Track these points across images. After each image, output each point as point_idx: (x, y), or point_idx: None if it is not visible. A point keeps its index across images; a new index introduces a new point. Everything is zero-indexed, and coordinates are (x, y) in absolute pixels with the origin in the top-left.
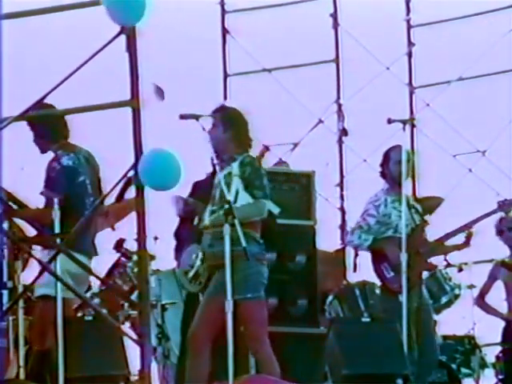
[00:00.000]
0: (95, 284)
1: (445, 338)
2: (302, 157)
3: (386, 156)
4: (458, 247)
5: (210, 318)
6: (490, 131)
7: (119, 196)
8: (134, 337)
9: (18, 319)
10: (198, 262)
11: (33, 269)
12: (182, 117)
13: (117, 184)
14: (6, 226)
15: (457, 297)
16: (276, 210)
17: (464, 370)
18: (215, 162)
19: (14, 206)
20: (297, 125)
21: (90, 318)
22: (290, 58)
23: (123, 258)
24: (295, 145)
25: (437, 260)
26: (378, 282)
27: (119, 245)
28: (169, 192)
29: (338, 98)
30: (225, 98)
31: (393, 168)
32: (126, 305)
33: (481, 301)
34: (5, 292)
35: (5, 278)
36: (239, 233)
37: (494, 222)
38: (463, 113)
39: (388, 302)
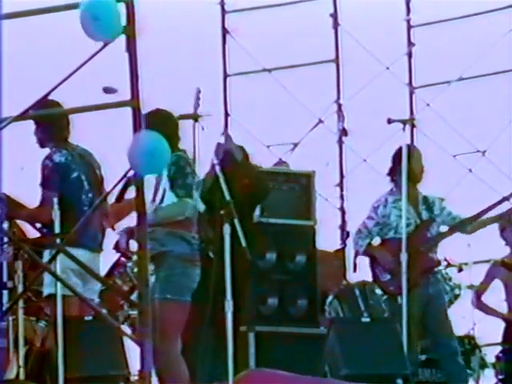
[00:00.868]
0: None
1: None
2: (302, 157)
3: (403, 153)
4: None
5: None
6: (490, 131)
7: (119, 196)
8: (134, 337)
9: (17, 319)
10: None
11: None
12: (182, 117)
13: (117, 184)
14: (5, 226)
15: (457, 297)
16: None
17: None
18: (215, 162)
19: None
20: (297, 125)
21: (90, 317)
22: (290, 58)
23: (123, 258)
24: (295, 145)
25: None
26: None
27: (119, 245)
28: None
29: (338, 98)
30: (225, 97)
31: (413, 166)
32: (126, 305)
33: (479, 302)
34: (5, 292)
35: (5, 278)
36: (239, 232)
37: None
38: (463, 113)
39: (389, 305)
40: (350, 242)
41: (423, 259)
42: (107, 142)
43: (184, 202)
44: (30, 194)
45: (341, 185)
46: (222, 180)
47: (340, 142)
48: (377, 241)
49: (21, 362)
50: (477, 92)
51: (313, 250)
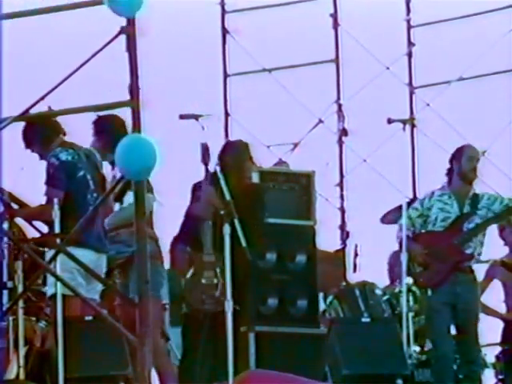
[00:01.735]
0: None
1: None
2: (302, 157)
3: (459, 152)
4: None
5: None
6: (490, 131)
7: (119, 196)
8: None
9: (17, 319)
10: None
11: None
12: (182, 117)
13: (117, 184)
14: (6, 226)
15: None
16: (154, 201)
17: None
18: (215, 163)
19: (14, 206)
20: (297, 125)
21: (90, 317)
22: (290, 58)
23: None
24: (295, 145)
25: None
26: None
27: None
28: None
29: (338, 98)
30: (225, 97)
31: (465, 163)
32: None
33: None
34: (5, 292)
35: (5, 278)
36: (239, 233)
37: None
38: (463, 113)
39: (418, 297)
40: (352, 241)
41: (455, 253)
42: None
43: (148, 198)
44: (29, 194)
45: (341, 185)
46: (221, 180)
47: (340, 142)
48: None
49: (21, 362)
50: (477, 92)
51: (313, 250)
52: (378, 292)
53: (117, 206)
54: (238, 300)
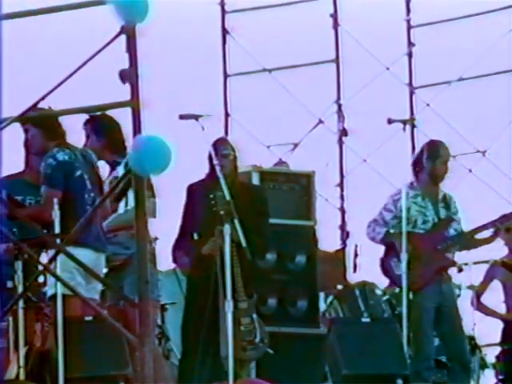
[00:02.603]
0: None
1: None
2: (302, 157)
3: (431, 151)
4: (488, 240)
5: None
6: (490, 131)
7: (119, 196)
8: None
9: (17, 320)
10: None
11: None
12: (182, 117)
13: (117, 184)
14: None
15: (457, 297)
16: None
17: None
18: (215, 162)
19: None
20: (297, 125)
21: (90, 318)
22: (290, 58)
23: None
24: (295, 145)
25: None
26: (381, 282)
27: None
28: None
29: (338, 98)
30: (225, 98)
31: (439, 166)
32: None
33: (478, 302)
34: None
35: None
36: (239, 233)
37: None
38: (463, 113)
39: (399, 302)
40: (352, 241)
41: (439, 258)
42: None
43: (151, 203)
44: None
45: (341, 185)
46: (222, 180)
47: (340, 142)
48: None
49: (21, 362)
50: (477, 92)
51: (313, 250)
52: (378, 292)
53: (121, 208)
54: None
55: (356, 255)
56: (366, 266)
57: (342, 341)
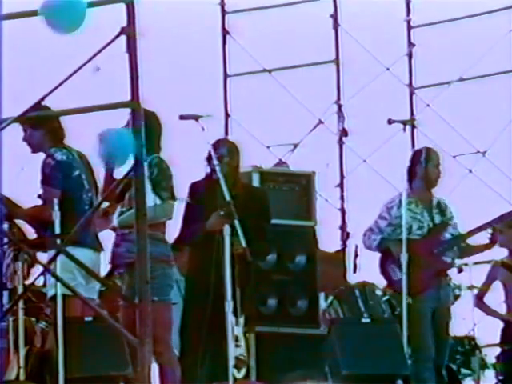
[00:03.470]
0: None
1: None
2: (302, 157)
3: (422, 156)
4: (487, 246)
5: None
6: (490, 132)
7: (119, 197)
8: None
9: (18, 320)
10: None
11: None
12: (182, 117)
13: (117, 184)
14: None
15: (457, 297)
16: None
17: (464, 371)
18: (215, 162)
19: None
20: (297, 125)
21: (90, 318)
22: (290, 59)
23: None
24: (295, 145)
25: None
26: (381, 282)
27: None
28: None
29: (338, 98)
30: (225, 98)
31: (431, 169)
32: None
33: (480, 302)
34: (5, 293)
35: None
36: (239, 233)
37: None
38: (463, 113)
39: (400, 305)
40: (352, 242)
41: (436, 262)
42: None
43: (169, 205)
44: (29, 195)
45: (341, 185)
46: (222, 181)
47: (340, 143)
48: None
49: (21, 363)
50: (477, 92)
51: (313, 250)
52: (378, 292)
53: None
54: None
55: (356, 256)
56: (366, 267)
57: (342, 341)
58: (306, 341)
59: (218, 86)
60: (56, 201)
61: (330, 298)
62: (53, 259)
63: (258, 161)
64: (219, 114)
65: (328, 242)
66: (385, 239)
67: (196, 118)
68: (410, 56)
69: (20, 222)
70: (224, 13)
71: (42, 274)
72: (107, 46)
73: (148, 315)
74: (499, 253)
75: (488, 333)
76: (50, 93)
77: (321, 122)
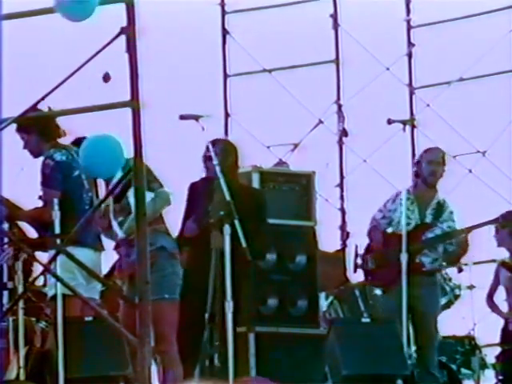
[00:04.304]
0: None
1: (445, 338)
2: (302, 157)
3: (421, 156)
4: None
5: None
6: (490, 132)
7: (119, 197)
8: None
9: (18, 320)
10: None
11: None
12: (182, 117)
13: (117, 185)
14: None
15: (457, 297)
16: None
17: (464, 371)
18: (215, 162)
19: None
20: (297, 125)
21: (90, 318)
22: (290, 59)
23: None
24: (295, 145)
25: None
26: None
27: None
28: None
29: (338, 98)
30: (225, 98)
31: (425, 167)
32: None
33: (489, 301)
34: (5, 293)
35: (5, 279)
36: (239, 233)
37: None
38: (463, 113)
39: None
40: (352, 242)
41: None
42: None
43: (163, 192)
44: (30, 195)
45: (341, 185)
46: (222, 181)
47: (340, 143)
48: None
49: (21, 363)
50: (477, 92)
51: (313, 250)
52: (378, 292)
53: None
54: (238, 301)
55: (356, 255)
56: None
57: (341, 341)
58: (306, 341)
59: (218, 86)
60: (56, 201)
61: (330, 298)
62: (53, 259)
63: (258, 161)
64: (219, 113)
65: (328, 242)
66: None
67: (196, 117)
68: (409, 56)
69: (20, 223)
70: (224, 13)
71: (42, 273)
72: (107, 46)
73: (148, 315)
74: (498, 253)
75: (488, 333)
76: (49, 93)
77: (321, 121)
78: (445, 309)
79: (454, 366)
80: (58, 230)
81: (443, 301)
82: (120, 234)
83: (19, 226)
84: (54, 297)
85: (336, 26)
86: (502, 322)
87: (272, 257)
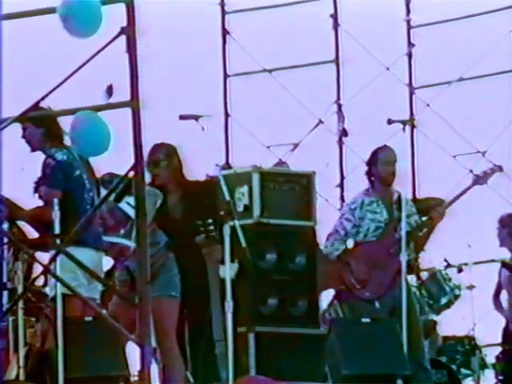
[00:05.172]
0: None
1: (445, 338)
2: (303, 157)
3: (374, 156)
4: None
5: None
6: (490, 131)
7: (119, 197)
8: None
9: (17, 320)
10: None
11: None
12: (182, 117)
13: (117, 185)
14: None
15: (457, 297)
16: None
17: (464, 371)
18: (218, 164)
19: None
20: (297, 125)
21: (90, 318)
22: (290, 59)
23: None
24: (295, 145)
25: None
26: None
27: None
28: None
29: (338, 98)
30: (225, 98)
31: (381, 168)
32: None
33: (495, 300)
34: (5, 293)
35: (5, 279)
36: (239, 233)
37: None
38: (463, 113)
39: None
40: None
41: (393, 261)
42: None
43: (149, 190)
44: (30, 195)
45: (341, 185)
46: (222, 181)
47: (340, 143)
48: (350, 244)
49: (21, 363)
50: (477, 92)
51: (313, 250)
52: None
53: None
54: (238, 301)
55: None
56: None
57: (342, 341)
58: (306, 341)
59: (218, 85)
60: (56, 201)
61: (330, 298)
62: (53, 259)
63: (258, 161)
64: (219, 113)
65: None
66: (347, 251)
67: (196, 117)
68: (409, 56)
69: (21, 223)
70: (224, 13)
71: (43, 273)
72: (107, 46)
73: (148, 315)
74: (499, 253)
75: (488, 333)
76: (50, 93)
77: (321, 121)
78: (445, 309)
79: (453, 366)
80: (57, 230)
81: (443, 301)
82: (132, 245)
83: (19, 226)
84: (55, 297)
85: (336, 25)
86: (502, 322)
87: (272, 257)
